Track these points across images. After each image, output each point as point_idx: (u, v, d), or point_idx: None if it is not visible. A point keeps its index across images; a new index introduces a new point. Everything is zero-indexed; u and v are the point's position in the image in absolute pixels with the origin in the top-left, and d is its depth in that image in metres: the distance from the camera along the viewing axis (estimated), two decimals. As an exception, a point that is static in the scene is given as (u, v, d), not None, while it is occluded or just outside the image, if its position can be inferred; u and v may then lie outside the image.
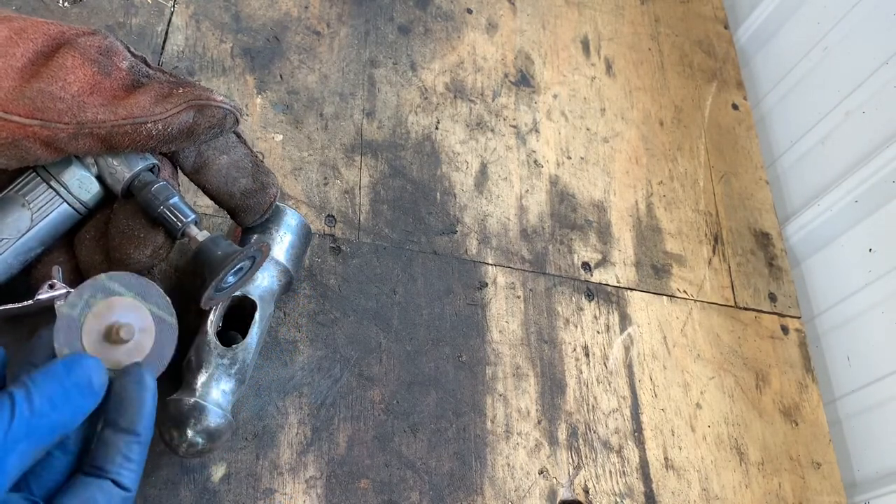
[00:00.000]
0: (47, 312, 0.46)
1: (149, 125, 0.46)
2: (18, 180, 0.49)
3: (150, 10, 0.72)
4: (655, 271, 0.79)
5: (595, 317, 0.74)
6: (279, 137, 0.71)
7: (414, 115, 0.78)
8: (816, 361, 0.82)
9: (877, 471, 0.75)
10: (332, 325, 0.64)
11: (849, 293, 0.82)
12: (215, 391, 0.52)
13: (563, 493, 0.64)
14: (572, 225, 0.78)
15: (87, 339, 0.43)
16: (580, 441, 0.67)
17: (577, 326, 0.73)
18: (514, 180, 0.79)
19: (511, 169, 0.79)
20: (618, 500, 0.66)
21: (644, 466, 0.68)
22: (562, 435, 0.67)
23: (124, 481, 0.39)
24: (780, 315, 0.82)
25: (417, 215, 0.72)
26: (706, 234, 0.84)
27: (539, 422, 0.67)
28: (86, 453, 0.41)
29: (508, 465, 0.64)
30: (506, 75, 0.85)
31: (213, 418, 0.50)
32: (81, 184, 0.49)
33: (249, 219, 0.56)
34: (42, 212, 0.48)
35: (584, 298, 0.74)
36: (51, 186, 0.48)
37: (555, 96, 0.86)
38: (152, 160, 0.50)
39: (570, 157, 0.83)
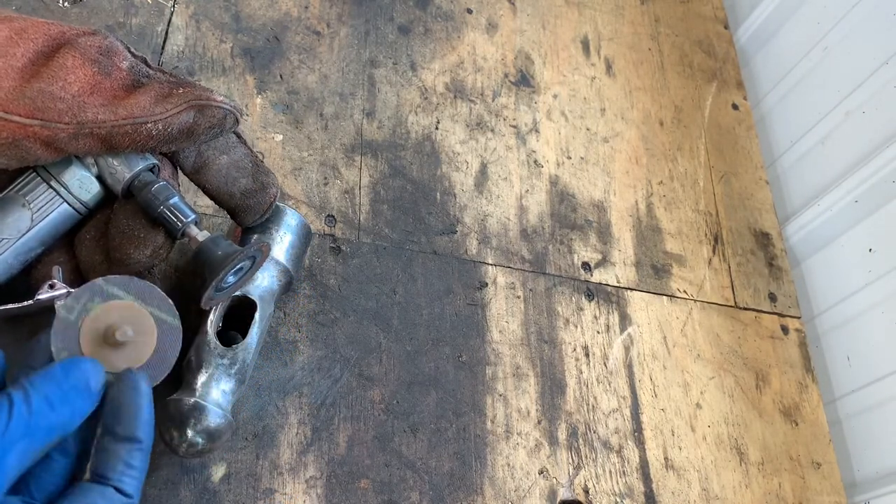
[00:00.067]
0: (47, 312, 0.46)
1: (149, 125, 0.46)
2: (19, 180, 0.49)
3: (150, 10, 0.72)
4: (655, 271, 0.79)
5: (595, 317, 0.74)
6: (279, 137, 0.71)
7: (414, 115, 0.78)
8: (816, 361, 0.82)
9: (877, 471, 0.75)
10: (332, 325, 0.64)
11: (849, 293, 0.82)
12: (215, 391, 0.52)
13: (563, 493, 0.64)
14: (572, 225, 0.78)
15: (86, 343, 0.43)
16: (580, 441, 0.67)
17: (577, 326, 0.73)
18: (514, 180, 0.79)
19: (511, 169, 0.79)
20: (618, 500, 0.66)
21: (644, 466, 0.68)
22: (562, 435, 0.67)
23: (126, 488, 0.39)
24: (780, 315, 0.82)
25: (417, 215, 0.72)
26: (706, 234, 0.84)
27: (539, 422, 0.67)
28: (85, 456, 0.41)
29: (508, 465, 0.64)
30: (506, 75, 0.85)
31: (213, 418, 0.50)
32: (82, 184, 0.49)
33: (249, 219, 0.56)
34: (42, 212, 0.48)
35: (584, 298, 0.74)
36: (51, 186, 0.48)
37: (555, 96, 0.86)
38: (152, 160, 0.50)
39: (570, 157, 0.83)
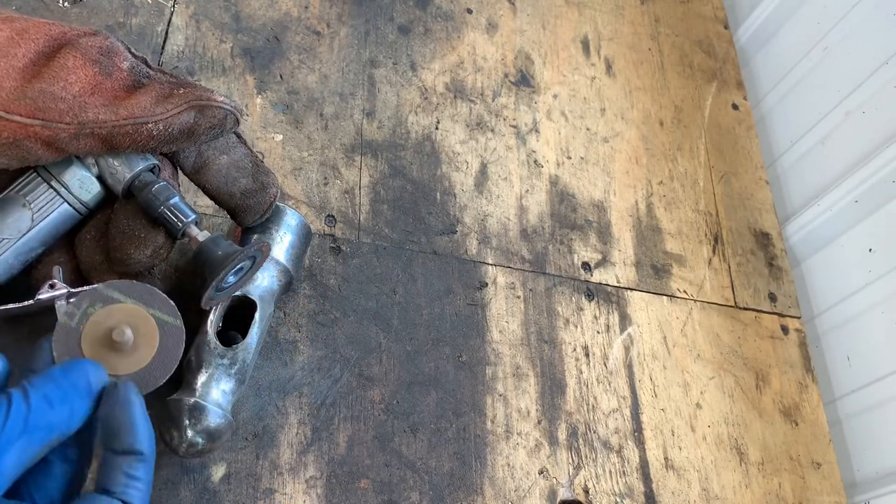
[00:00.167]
0: (48, 312, 0.46)
1: (150, 125, 0.46)
2: (19, 180, 0.49)
3: (150, 10, 0.72)
4: (655, 271, 0.79)
5: (595, 317, 0.74)
6: (279, 137, 0.71)
7: (414, 115, 0.78)
8: (816, 361, 0.82)
9: (877, 471, 0.75)
10: (332, 325, 0.64)
11: (849, 293, 0.82)
12: (215, 391, 0.52)
13: (563, 493, 0.64)
14: (572, 225, 0.78)
15: (87, 347, 0.43)
16: (580, 441, 0.67)
17: (577, 326, 0.73)
18: (514, 180, 0.79)
19: (511, 169, 0.79)
20: (618, 500, 0.66)
21: (644, 466, 0.68)
22: (562, 435, 0.67)
23: (133, 501, 0.39)
24: (780, 315, 0.82)
25: (417, 215, 0.72)
26: (706, 234, 0.84)
27: (539, 422, 0.67)
28: (87, 463, 0.41)
29: (508, 465, 0.64)
30: (506, 75, 0.85)
31: (213, 418, 0.50)
32: (82, 184, 0.49)
33: (249, 219, 0.56)
34: (43, 212, 0.48)
35: (584, 298, 0.74)
36: (51, 187, 0.48)
37: (555, 96, 0.86)
38: (153, 160, 0.50)
39: (570, 157, 0.83)
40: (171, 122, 0.47)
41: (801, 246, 0.89)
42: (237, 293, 0.55)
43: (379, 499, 0.59)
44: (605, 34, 0.94)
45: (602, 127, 0.87)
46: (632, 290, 0.77)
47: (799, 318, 0.83)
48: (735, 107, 0.96)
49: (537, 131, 0.83)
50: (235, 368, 0.53)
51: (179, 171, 0.54)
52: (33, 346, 0.43)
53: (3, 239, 0.47)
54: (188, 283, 0.61)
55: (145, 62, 0.50)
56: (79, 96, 0.45)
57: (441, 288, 0.69)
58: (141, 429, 0.40)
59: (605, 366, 0.72)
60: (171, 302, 0.46)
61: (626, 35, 0.95)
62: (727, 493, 0.70)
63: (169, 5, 0.73)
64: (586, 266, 0.76)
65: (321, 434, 0.60)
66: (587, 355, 0.72)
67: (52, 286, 0.46)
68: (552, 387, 0.69)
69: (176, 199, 0.49)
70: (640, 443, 0.69)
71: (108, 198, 0.51)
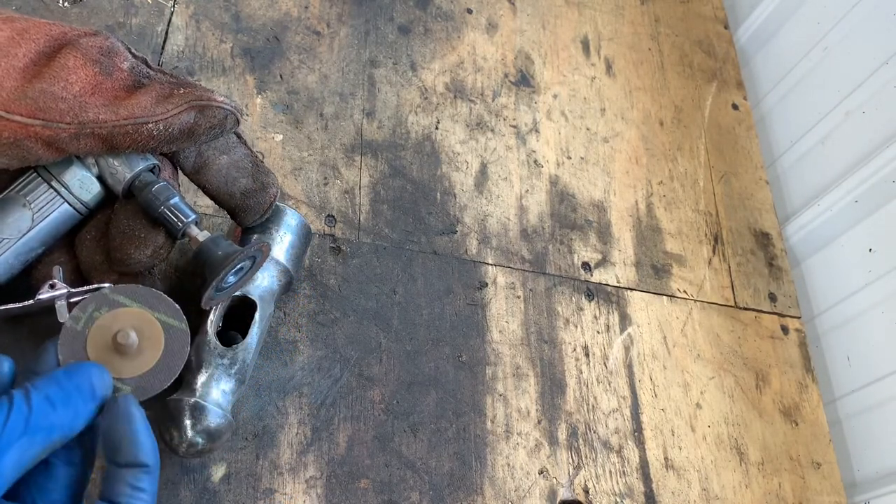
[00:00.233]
0: (48, 312, 0.46)
1: (150, 125, 0.46)
2: (19, 180, 0.49)
3: (150, 10, 0.72)
4: (655, 271, 0.79)
5: (595, 317, 0.74)
6: (279, 137, 0.71)
7: (414, 115, 0.78)
8: (816, 361, 0.82)
9: (877, 471, 0.75)
10: (332, 325, 0.64)
11: (849, 293, 0.82)
12: (215, 391, 0.52)
13: (563, 493, 0.64)
14: (572, 225, 0.78)
15: (93, 350, 0.43)
16: (580, 441, 0.67)
17: (577, 326, 0.73)
18: (514, 180, 0.79)
19: (511, 169, 0.79)
20: (618, 500, 0.66)
21: (644, 466, 0.68)
22: (562, 435, 0.67)
23: None
24: (780, 315, 0.82)
25: (417, 215, 0.72)
26: (706, 234, 0.84)
27: (539, 422, 0.67)
28: (90, 467, 0.41)
29: (508, 465, 0.64)
30: (506, 75, 0.85)
31: (213, 418, 0.51)
32: (82, 184, 0.49)
33: (249, 219, 0.56)
34: (43, 212, 0.48)
35: (584, 298, 0.74)
36: (52, 187, 0.48)
37: (555, 96, 0.86)
38: (153, 160, 0.50)
39: (570, 157, 0.83)
40: (171, 122, 0.47)
41: (801, 246, 0.89)
42: (237, 293, 0.55)
43: (379, 499, 0.59)
44: (605, 34, 0.94)
45: (602, 127, 0.87)
46: (632, 290, 0.77)
47: (799, 318, 0.83)
48: (735, 107, 0.96)
49: (537, 131, 0.83)
50: (235, 368, 0.53)
51: (179, 171, 0.54)
52: (34, 346, 0.43)
53: (4, 239, 0.48)
54: (188, 283, 0.61)
55: (145, 62, 0.51)
56: (79, 96, 0.45)
57: (441, 288, 0.69)
58: (144, 441, 0.40)
59: (605, 366, 0.72)
60: (177, 305, 0.46)
61: (626, 35, 0.95)
62: (727, 493, 0.70)
63: (169, 5, 0.73)
64: (586, 266, 0.76)
65: (321, 434, 0.60)
66: (587, 355, 0.72)
67: (52, 286, 0.47)
68: (552, 387, 0.69)
69: (176, 199, 0.49)
70: (640, 443, 0.69)
71: (109, 198, 0.51)
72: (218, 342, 0.53)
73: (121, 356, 0.44)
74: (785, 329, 0.81)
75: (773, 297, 0.83)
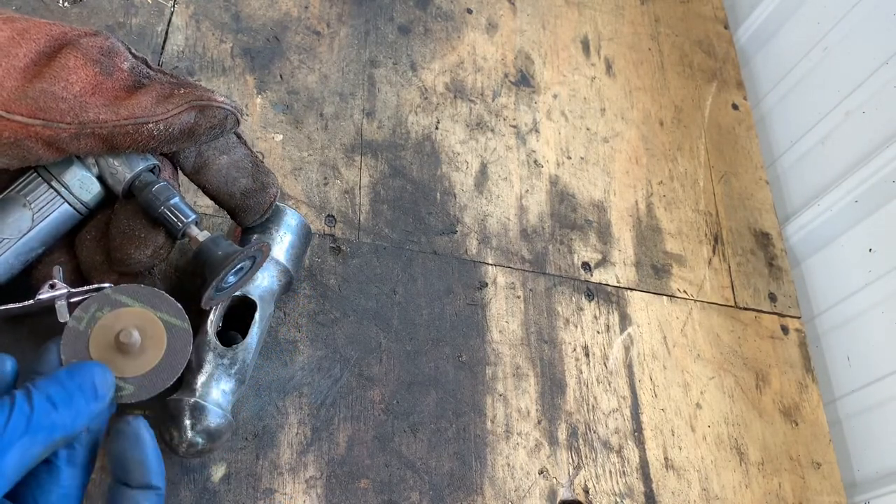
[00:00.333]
0: (48, 312, 0.46)
1: (150, 125, 0.46)
2: (19, 180, 0.49)
3: (150, 10, 0.72)
4: (655, 271, 0.79)
5: (595, 317, 0.74)
6: (279, 137, 0.71)
7: (414, 115, 0.78)
8: (816, 361, 0.82)
9: (877, 471, 0.75)
10: (332, 325, 0.64)
11: (849, 293, 0.82)
12: (215, 391, 0.52)
13: (563, 493, 0.64)
14: (572, 225, 0.78)
15: (95, 350, 0.43)
16: (580, 441, 0.67)
17: (577, 326, 0.73)
18: (514, 180, 0.79)
19: (511, 169, 0.79)
20: (618, 500, 0.66)
21: (644, 466, 0.68)
22: (562, 435, 0.67)
23: None
24: (780, 315, 0.82)
25: (417, 215, 0.72)
26: (706, 234, 0.84)
27: (539, 422, 0.67)
28: (92, 467, 0.41)
29: (508, 465, 0.64)
30: (506, 75, 0.85)
31: (213, 418, 0.51)
32: (82, 184, 0.49)
33: (249, 219, 0.56)
34: (43, 212, 0.48)
35: (584, 298, 0.74)
36: (52, 187, 0.48)
37: (555, 96, 0.86)
38: (153, 161, 0.50)
39: (570, 157, 0.83)
40: (171, 122, 0.47)
41: (801, 246, 0.89)
42: (237, 293, 0.55)
43: (379, 499, 0.59)
44: (605, 34, 0.94)
45: (602, 127, 0.87)
46: (632, 290, 0.77)
47: (799, 318, 0.83)
48: (735, 107, 0.96)
49: (537, 131, 0.83)
50: (235, 368, 0.53)
51: (179, 172, 0.54)
52: (35, 346, 0.43)
53: (4, 239, 0.48)
54: (188, 283, 0.61)
55: (145, 62, 0.51)
56: (80, 96, 0.45)
57: (441, 288, 0.69)
58: (154, 465, 0.40)
59: (605, 366, 0.72)
60: (179, 305, 0.46)
61: (626, 35, 0.95)
62: (727, 493, 0.70)
63: (169, 5, 0.73)
64: (586, 266, 0.76)
65: (321, 434, 0.60)
66: (587, 355, 0.72)
67: (52, 286, 0.47)
68: (552, 387, 0.69)
69: (176, 199, 0.49)
70: (640, 443, 0.69)
71: (109, 198, 0.51)
72: (218, 342, 0.53)
73: (123, 355, 0.44)
74: (785, 329, 0.81)
75: (773, 297, 0.83)
